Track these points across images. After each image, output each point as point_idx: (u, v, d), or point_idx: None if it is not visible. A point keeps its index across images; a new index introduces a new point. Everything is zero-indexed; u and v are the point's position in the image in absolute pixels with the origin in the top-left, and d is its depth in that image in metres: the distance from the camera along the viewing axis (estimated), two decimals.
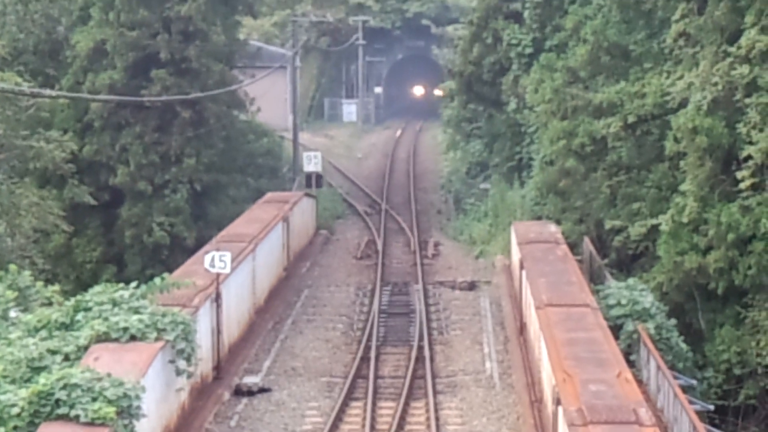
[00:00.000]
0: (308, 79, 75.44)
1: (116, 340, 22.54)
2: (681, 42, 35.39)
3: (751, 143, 30.76)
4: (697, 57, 34.82)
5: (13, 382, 19.63)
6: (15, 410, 18.42)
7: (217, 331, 28.65)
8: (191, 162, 48.20)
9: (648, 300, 29.58)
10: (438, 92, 70.66)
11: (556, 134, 40.53)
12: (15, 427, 18.07)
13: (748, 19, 31.89)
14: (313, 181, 53.21)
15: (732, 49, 32.24)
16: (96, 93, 45.12)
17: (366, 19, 76.03)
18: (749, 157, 30.97)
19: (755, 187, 31.17)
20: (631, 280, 31.92)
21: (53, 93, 43.32)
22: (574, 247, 36.60)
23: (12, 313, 26.18)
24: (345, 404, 26.60)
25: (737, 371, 31.29)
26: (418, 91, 75.09)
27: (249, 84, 52.87)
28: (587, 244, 37.89)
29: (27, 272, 30.00)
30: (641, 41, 39.06)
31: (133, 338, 22.96)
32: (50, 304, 27.30)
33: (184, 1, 46.90)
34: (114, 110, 47.17)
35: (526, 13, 50.85)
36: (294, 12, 68.76)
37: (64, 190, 44.08)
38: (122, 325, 23.23)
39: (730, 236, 30.91)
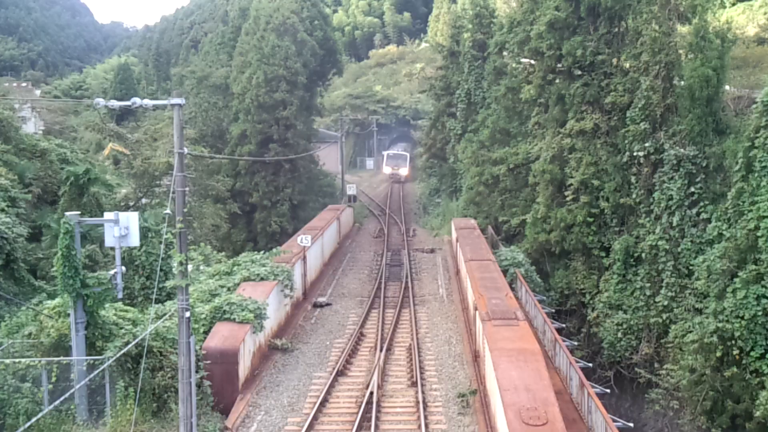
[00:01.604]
0: (348, 147, 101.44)
1: (253, 280, 32.48)
2: (536, 127, 45.87)
3: (571, 177, 41.57)
4: (544, 134, 44.76)
5: (202, 301, 29.15)
6: (203, 316, 27.53)
7: (304, 275, 39.52)
8: (289, 190, 66.59)
9: (520, 257, 40.72)
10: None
11: (473, 174, 52.49)
12: (203, 324, 26.97)
13: (570, 115, 42.53)
14: (352, 199, 71.33)
15: (561, 130, 42.82)
16: (242, 155, 63.42)
17: (377, 117, 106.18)
18: (570, 185, 41.75)
19: (574, 200, 41.58)
20: (512, 247, 43.02)
21: (220, 156, 59.12)
22: (483, 230, 46.29)
23: (201, 267, 36.63)
24: (369, 311, 36.91)
25: (566, 292, 41.63)
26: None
27: (319, 151, 74.82)
28: (489, 229, 48.56)
29: (209, 247, 41.78)
30: (516, 126, 49.29)
31: (262, 279, 32.67)
32: (220, 262, 38.04)
33: (284, 110, 64.45)
34: (251, 165, 65.03)
35: (458, 113, 66.20)
36: (341, 115, 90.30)
37: (226, 204, 59.35)
38: (256, 272, 33.38)
39: (561, 224, 41.73)
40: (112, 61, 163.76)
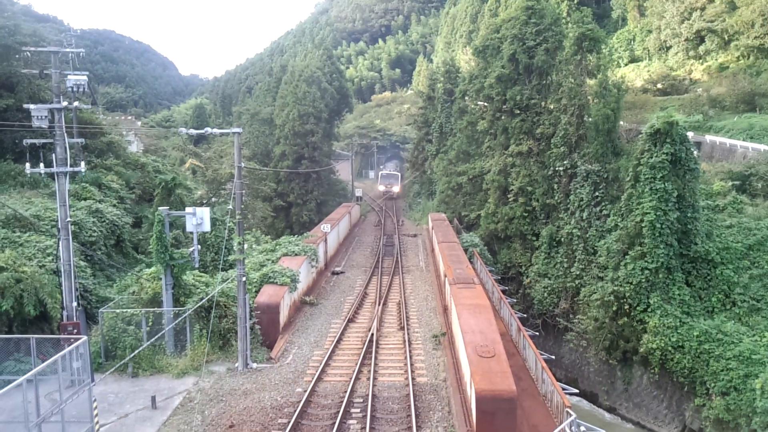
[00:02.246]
0: (356, 163, 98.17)
1: (289, 255, 32.88)
2: (488, 149, 45.90)
3: (512, 185, 41.64)
4: (494, 154, 44.69)
5: (254, 270, 29.65)
6: (254, 280, 28.18)
7: (325, 252, 39.59)
8: (315, 193, 65.64)
9: (476, 240, 40.99)
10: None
11: (443, 182, 52.20)
12: (255, 286, 27.72)
13: (512, 141, 42.72)
14: (359, 199, 70.76)
15: (506, 152, 42.85)
16: (282, 168, 62.27)
17: (377, 142, 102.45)
18: (512, 190, 41.86)
19: (514, 201, 41.76)
20: (471, 233, 42.98)
21: (266, 169, 58.38)
22: (451, 221, 46.17)
23: (254, 246, 36.66)
24: (370, 277, 37.24)
25: (508, 265, 41.77)
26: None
27: (336, 165, 74.69)
28: (455, 221, 48.26)
29: (258, 232, 41.95)
30: (474, 149, 48.92)
31: (296, 255, 33.07)
32: (266, 243, 38.11)
33: (312, 136, 63.62)
34: (288, 174, 64.55)
35: (433, 140, 64.80)
36: (351, 140, 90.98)
37: (271, 202, 59.14)
38: (292, 250, 33.77)
39: (505, 218, 41.89)
40: (191, 101, 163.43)
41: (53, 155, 21.09)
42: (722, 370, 24.77)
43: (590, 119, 37.61)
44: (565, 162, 38.68)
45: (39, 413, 13.41)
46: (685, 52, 65.18)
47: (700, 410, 25.93)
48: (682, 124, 30.93)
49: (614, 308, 29.98)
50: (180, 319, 22.73)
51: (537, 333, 33.82)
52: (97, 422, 16.32)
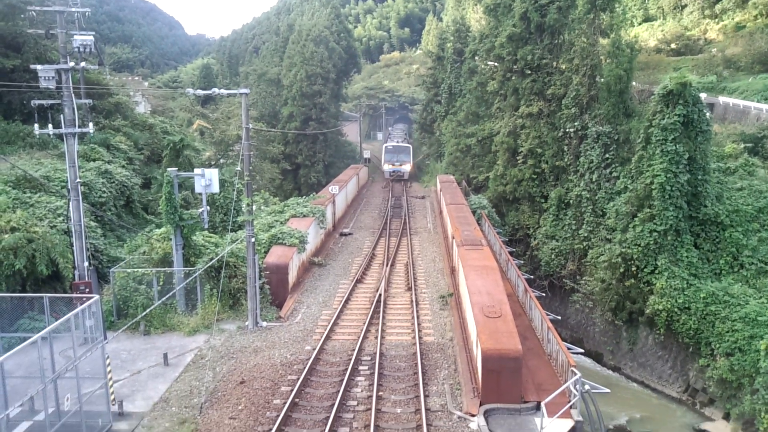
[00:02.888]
0: (364, 124, 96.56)
1: (298, 217, 32.94)
2: (498, 111, 45.40)
3: (522, 146, 41.45)
4: (503, 116, 44.29)
5: (262, 231, 29.82)
6: (263, 241, 28.39)
7: (333, 213, 39.65)
8: (322, 154, 65.22)
9: (485, 202, 41.04)
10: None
11: (452, 144, 51.73)
12: (264, 246, 27.82)
13: (522, 103, 42.09)
14: (367, 161, 70.00)
15: (516, 113, 42.41)
16: (290, 130, 61.80)
17: (385, 103, 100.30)
18: (521, 152, 41.64)
19: (523, 163, 41.54)
20: (479, 195, 42.99)
21: (274, 130, 58.57)
22: (459, 183, 45.88)
23: (263, 208, 36.85)
24: (378, 238, 37.44)
25: (516, 227, 41.78)
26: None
27: (344, 127, 73.02)
28: (463, 183, 48.00)
29: (267, 193, 42.11)
30: (483, 110, 48.57)
31: (304, 216, 33.12)
32: (275, 204, 38.12)
33: (320, 97, 62.72)
34: (296, 136, 63.96)
35: (442, 101, 63.65)
36: (360, 101, 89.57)
37: (279, 164, 58.89)
38: (300, 211, 33.83)
39: (514, 180, 41.76)
40: (198, 62, 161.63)
41: (61, 116, 21.19)
42: (728, 332, 24.95)
43: (602, 80, 37.14)
44: (575, 123, 38.28)
45: (54, 369, 13.77)
46: (701, 11, 63.65)
47: (704, 370, 26.22)
48: (695, 85, 30.21)
49: (621, 270, 30.09)
50: (190, 278, 23.08)
51: (543, 294, 33.98)
52: (111, 378, 16.78)
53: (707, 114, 30.74)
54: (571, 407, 15.90)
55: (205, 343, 21.42)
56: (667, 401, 28.01)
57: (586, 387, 15.63)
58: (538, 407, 16.23)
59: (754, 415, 22.79)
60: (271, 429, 15.58)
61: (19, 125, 35.77)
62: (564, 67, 40.96)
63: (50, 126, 21.39)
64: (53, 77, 20.81)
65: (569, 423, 15.70)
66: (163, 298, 21.89)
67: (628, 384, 30.17)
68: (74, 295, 19.92)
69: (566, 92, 39.75)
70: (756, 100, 41.77)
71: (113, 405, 16.49)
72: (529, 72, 42.56)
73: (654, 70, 47.37)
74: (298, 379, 18.32)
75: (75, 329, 14.75)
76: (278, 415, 16.18)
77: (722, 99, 43.67)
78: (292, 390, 17.67)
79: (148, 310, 21.10)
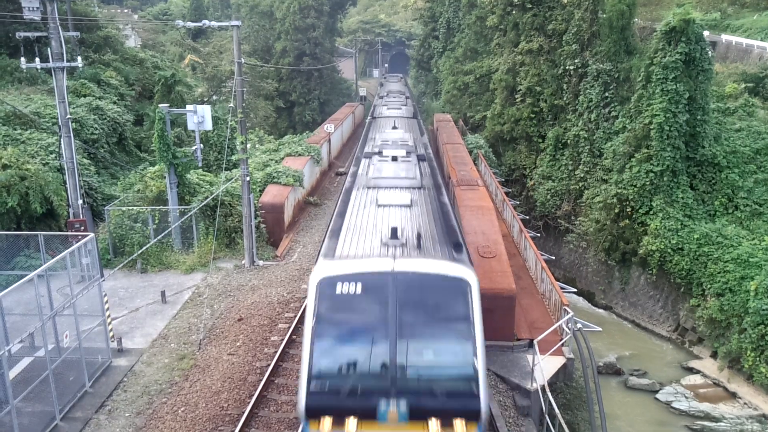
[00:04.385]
0: (360, 61, 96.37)
1: (293, 155, 32.70)
2: (497, 47, 44.49)
3: (520, 84, 40.86)
4: (503, 52, 43.61)
5: (257, 170, 29.31)
6: (259, 180, 28.21)
7: (329, 152, 39.66)
8: (317, 92, 64.51)
9: (481, 141, 40.81)
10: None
11: (449, 82, 50.64)
12: (259, 185, 27.47)
13: (522, 38, 41.44)
14: (363, 98, 69.37)
15: (515, 50, 41.73)
16: (283, 65, 60.94)
17: (381, 38, 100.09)
18: (520, 90, 41.08)
19: (521, 101, 40.91)
20: (476, 135, 42.74)
21: (267, 66, 57.57)
22: (456, 122, 45.63)
23: (257, 146, 36.70)
24: None
25: (512, 167, 41.54)
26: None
27: (339, 63, 72.45)
28: (460, 122, 47.49)
29: (261, 131, 41.97)
30: (482, 46, 47.56)
31: (299, 155, 32.92)
32: (270, 142, 38.55)
33: (314, 31, 62.23)
34: (290, 72, 62.97)
35: (440, 36, 62.27)
36: (355, 36, 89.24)
37: (273, 101, 57.75)
38: (295, 150, 33.54)
39: (512, 119, 41.30)
40: None
41: (48, 50, 20.66)
42: (719, 272, 25.33)
43: (604, 15, 36.24)
44: (576, 61, 37.61)
45: (52, 307, 13.96)
46: None
47: (694, 310, 26.77)
48: (699, 22, 29.64)
49: (616, 210, 30.29)
50: (186, 217, 23.19)
51: (538, 234, 34.05)
52: (109, 315, 17.02)
53: (709, 52, 30.16)
54: (563, 345, 16.27)
55: (203, 281, 21.70)
56: (656, 339, 28.75)
57: (578, 325, 15.93)
58: (530, 345, 16.62)
59: (740, 353, 23.41)
60: (269, 364, 15.99)
61: (5, 59, 35.06)
62: (566, 1, 39.71)
63: (38, 60, 20.93)
64: (38, 8, 20.20)
65: (561, 360, 16.16)
66: (159, 236, 22.01)
67: (620, 322, 30.83)
68: (70, 233, 19.99)
69: (567, 28, 38.91)
70: (759, 38, 40.92)
71: (112, 342, 16.85)
72: (530, 6, 41.36)
73: (657, 6, 45.90)
74: (295, 316, 18.66)
75: (71, 267, 14.86)
76: (276, 351, 16.63)
77: (725, 37, 42.78)
78: (289, 327, 18.08)
79: (144, 248, 21.26)
